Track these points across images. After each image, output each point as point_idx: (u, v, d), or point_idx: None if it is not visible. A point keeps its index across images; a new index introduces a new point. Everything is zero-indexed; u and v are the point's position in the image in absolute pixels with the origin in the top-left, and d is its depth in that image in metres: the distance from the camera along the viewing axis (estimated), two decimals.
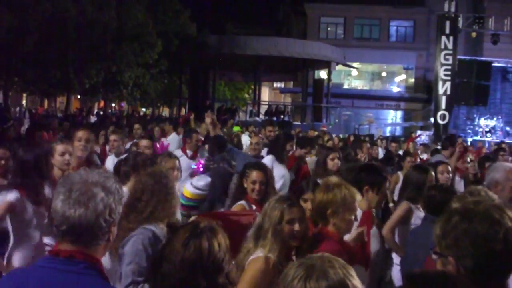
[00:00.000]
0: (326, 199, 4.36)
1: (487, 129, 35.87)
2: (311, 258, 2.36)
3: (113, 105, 56.33)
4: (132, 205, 4.50)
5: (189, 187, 6.07)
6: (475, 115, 37.80)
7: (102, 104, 52.90)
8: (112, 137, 9.88)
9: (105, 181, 2.70)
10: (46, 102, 52.52)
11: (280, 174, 8.49)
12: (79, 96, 49.43)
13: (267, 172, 6.15)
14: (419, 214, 6.27)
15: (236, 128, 17.71)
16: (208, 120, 8.53)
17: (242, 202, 5.92)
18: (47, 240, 5.80)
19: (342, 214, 4.32)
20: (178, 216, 5.00)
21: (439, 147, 13.16)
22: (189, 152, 10.18)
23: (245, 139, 15.07)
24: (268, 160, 8.69)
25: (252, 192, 5.94)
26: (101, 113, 43.53)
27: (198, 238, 2.98)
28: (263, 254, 4.08)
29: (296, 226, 4.21)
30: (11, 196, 5.49)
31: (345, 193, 4.36)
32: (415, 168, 6.92)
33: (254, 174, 5.99)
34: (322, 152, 9.02)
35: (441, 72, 33.67)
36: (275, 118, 34.54)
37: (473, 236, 2.43)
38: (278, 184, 8.14)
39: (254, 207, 5.79)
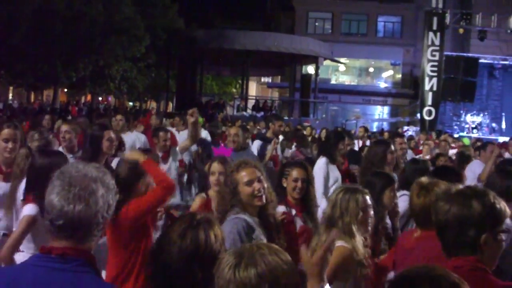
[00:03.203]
0: (430, 201, 4.07)
1: (474, 125, 36.20)
2: (245, 245, 2.34)
3: (100, 98, 56.12)
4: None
5: None
6: (461, 111, 38.11)
7: (89, 97, 52.76)
8: (64, 128, 8.07)
9: (104, 177, 2.63)
10: (33, 95, 52.34)
11: (334, 177, 8.08)
12: (66, 90, 49.23)
13: (307, 170, 6.04)
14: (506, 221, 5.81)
15: (199, 120, 17.23)
16: (191, 119, 7.71)
17: (282, 209, 5.65)
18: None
19: None
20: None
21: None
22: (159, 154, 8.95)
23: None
24: (322, 162, 8.14)
25: (294, 191, 5.83)
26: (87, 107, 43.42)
27: (195, 229, 2.96)
28: (348, 245, 4.27)
29: (370, 213, 4.45)
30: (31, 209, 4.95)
31: (445, 190, 4.08)
32: (498, 173, 6.07)
33: (295, 172, 5.87)
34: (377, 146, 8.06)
35: (428, 68, 33.87)
36: (262, 113, 34.64)
37: None
38: (331, 188, 7.74)
39: (294, 211, 5.71)
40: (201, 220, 3.04)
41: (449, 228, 2.90)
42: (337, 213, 4.39)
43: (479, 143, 16.38)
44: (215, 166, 6.16)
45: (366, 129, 18.78)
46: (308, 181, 5.89)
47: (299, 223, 5.68)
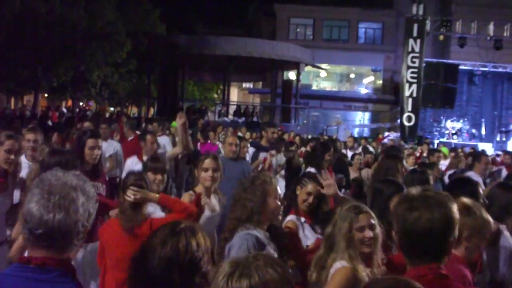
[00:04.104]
0: (464, 222, 3.77)
1: (454, 131, 36.30)
2: (243, 255, 2.31)
3: (81, 104, 55.88)
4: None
5: None
6: (441, 117, 38.25)
7: (70, 103, 52.51)
8: (29, 136, 7.45)
9: (84, 185, 2.56)
10: (13, 100, 51.96)
11: None
12: (46, 95, 48.94)
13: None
14: (506, 234, 5.64)
15: (174, 124, 16.89)
16: (180, 121, 7.61)
17: (292, 218, 5.66)
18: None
19: (476, 239, 3.94)
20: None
21: None
22: (146, 159, 8.37)
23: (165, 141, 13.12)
24: None
25: (303, 203, 5.71)
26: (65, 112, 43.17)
27: (176, 236, 2.92)
28: (348, 265, 4.18)
29: (367, 233, 4.31)
30: None
31: (485, 219, 4.01)
32: (500, 187, 6.08)
33: (311, 186, 5.71)
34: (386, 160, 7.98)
35: (408, 75, 34.03)
36: (243, 119, 34.62)
37: None
38: None
39: (303, 219, 5.66)
40: (184, 228, 3.00)
41: (411, 235, 2.89)
42: (335, 232, 4.35)
43: (452, 154, 16.55)
44: (209, 162, 6.19)
45: (355, 139, 18.92)
46: (320, 197, 5.75)
47: (307, 229, 5.64)
